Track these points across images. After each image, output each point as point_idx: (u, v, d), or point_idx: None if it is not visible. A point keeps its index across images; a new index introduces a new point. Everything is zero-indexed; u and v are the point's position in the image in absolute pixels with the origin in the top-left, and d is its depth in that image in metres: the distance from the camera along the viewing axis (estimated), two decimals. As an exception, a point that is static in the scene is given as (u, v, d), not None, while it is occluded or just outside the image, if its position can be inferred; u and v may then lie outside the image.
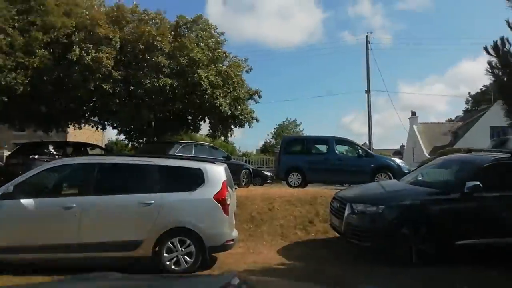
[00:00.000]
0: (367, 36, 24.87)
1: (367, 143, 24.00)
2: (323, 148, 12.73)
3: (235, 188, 6.84)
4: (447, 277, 5.42)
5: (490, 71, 5.86)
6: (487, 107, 34.14)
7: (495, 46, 5.69)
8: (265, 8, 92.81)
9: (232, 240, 5.64)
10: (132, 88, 11.66)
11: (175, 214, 5.38)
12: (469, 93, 52.71)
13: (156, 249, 5.26)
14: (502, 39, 5.67)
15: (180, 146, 10.86)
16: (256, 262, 6.09)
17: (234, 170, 12.20)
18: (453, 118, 47.05)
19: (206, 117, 13.82)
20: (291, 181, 12.31)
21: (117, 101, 11.94)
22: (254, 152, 33.67)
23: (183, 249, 5.27)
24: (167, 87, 11.25)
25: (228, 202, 5.56)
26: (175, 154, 10.26)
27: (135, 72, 11.56)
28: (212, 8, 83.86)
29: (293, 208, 8.63)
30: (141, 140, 14.46)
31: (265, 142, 34.94)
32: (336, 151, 12.28)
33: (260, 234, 7.73)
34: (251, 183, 13.12)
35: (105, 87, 11.27)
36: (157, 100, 11.72)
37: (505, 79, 5.66)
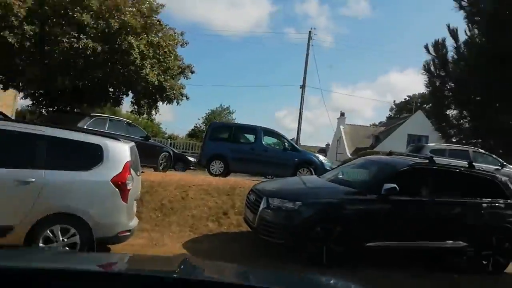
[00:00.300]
0: (310, 32, 25.06)
1: (295, 138, 24.24)
2: (250, 137, 12.32)
3: (141, 172, 6.05)
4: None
5: (426, 71, 5.80)
6: (408, 116, 36.64)
7: (436, 45, 5.61)
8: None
9: (129, 231, 4.90)
10: (46, 47, 10.09)
11: (59, 197, 4.50)
12: (394, 101, 56.43)
13: (31, 237, 4.35)
14: (444, 39, 5.62)
15: (92, 120, 9.67)
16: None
17: (152, 153, 11.32)
18: (377, 123, 49.98)
19: (129, 91, 12.58)
20: (212, 169, 11.73)
21: (24, 57, 10.29)
22: (184, 136, 32.54)
23: (65, 239, 4.43)
24: (89, 51, 9.88)
25: (128, 187, 4.80)
26: (84, 127, 9.09)
27: (52, 28, 10.00)
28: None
29: (209, 197, 8.07)
30: (51, 109, 12.80)
31: (194, 127, 33.88)
32: (263, 142, 11.95)
33: (167, 224, 7.05)
34: (171, 168, 12.29)
35: (10, 40, 9.62)
36: (75, 64, 10.29)
37: (438, 83, 5.62)
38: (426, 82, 6.09)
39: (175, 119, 68.17)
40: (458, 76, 5.36)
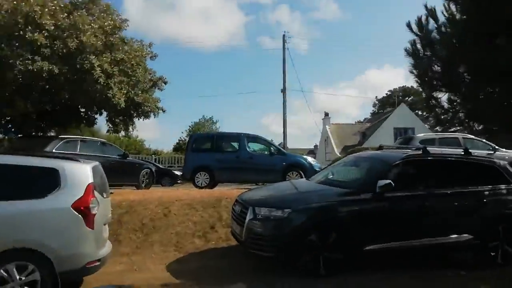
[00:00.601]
0: (284, 35, 24.79)
1: (282, 142, 23.80)
2: (234, 145, 11.84)
3: (110, 193, 5.48)
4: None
5: (411, 53, 5.37)
6: (391, 110, 36.73)
7: (419, 23, 5.16)
8: (187, 7, 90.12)
9: (98, 260, 4.31)
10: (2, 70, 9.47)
11: (12, 231, 3.90)
12: (376, 97, 56.65)
13: (-19, 280, 3.74)
14: (427, 16, 5.16)
15: (61, 142, 9.03)
16: (133, 285, 4.86)
17: (132, 170, 10.74)
18: (362, 120, 50.03)
19: (102, 110, 11.98)
20: (198, 181, 11.21)
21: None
22: (171, 151, 31.79)
23: (23, 278, 3.83)
24: (44, 73, 9.27)
25: (93, 212, 4.23)
26: (53, 151, 8.46)
27: (4, 50, 9.38)
28: (130, 4, 78.82)
29: (194, 212, 7.51)
30: (20, 135, 12.09)
31: (179, 140, 33.17)
32: (248, 149, 11.48)
33: (149, 245, 6.46)
34: (155, 184, 11.69)
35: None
36: (34, 87, 9.68)
37: (425, 64, 5.18)
38: (410, 66, 5.64)
39: (161, 135, 67.36)
40: (445, 57, 4.93)
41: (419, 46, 5.35)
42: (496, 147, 12.73)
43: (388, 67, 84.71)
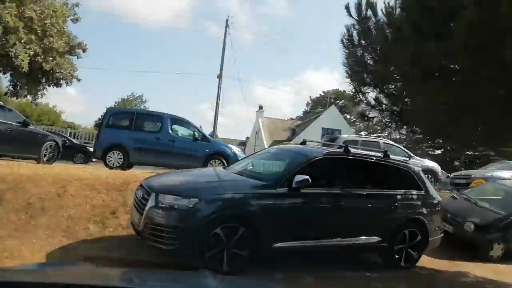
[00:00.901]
0: (227, 20, 24.05)
1: (213, 129, 23.17)
2: (155, 125, 10.96)
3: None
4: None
5: (347, 40, 5.06)
6: (322, 110, 37.93)
7: (359, 6, 4.84)
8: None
9: None
10: None
11: None
12: (310, 96, 58.27)
13: None
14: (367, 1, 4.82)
15: None
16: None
17: (32, 141, 9.40)
18: (295, 117, 51.12)
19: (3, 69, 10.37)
20: (110, 161, 10.20)
21: None
22: (92, 126, 29.39)
23: None
24: None
25: None
26: None
27: None
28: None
29: (95, 194, 6.64)
30: None
31: (101, 116, 30.82)
32: (170, 131, 10.70)
33: (33, 228, 5.52)
34: (57, 159, 10.41)
35: None
36: None
37: (359, 54, 4.91)
38: (344, 55, 5.35)
39: (88, 110, 62.79)
40: (380, 47, 4.72)
41: (355, 33, 5.07)
42: (412, 154, 13.46)
43: (325, 69, 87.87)
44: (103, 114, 10.65)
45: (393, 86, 5.19)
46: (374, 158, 6.01)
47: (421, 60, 4.17)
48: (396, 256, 5.87)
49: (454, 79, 4.33)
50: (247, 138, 45.79)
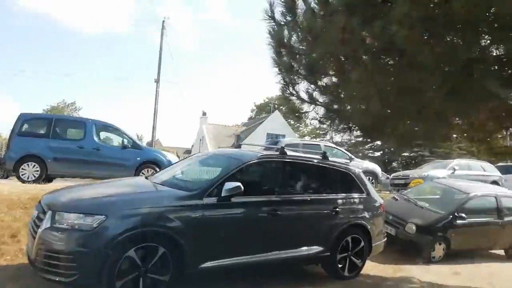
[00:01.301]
0: (163, 22, 23.00)
1: (151, 137, 21.93)
2: (77, 133, 9.82)
3: None
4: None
5: (270, 15, 4.45)
6: (266, 116, 37.90)
7: None
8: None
9: None
10: None
11: None
12: (254, 102, 58.28)
13: None
14: None
15: None
16: None
17: None
18: (239, 123, 50.73)
19: None
20: (23, 174, 8.93)
21: None
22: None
23: None
24: None
25: None
26: None
27: None
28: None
29: (-10, 214, 5.54)
30: None
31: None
32: (95, 138, 9.61)
33: None
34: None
35: None
36: None
37: (285, 35, 4.31)
38: (269, 38, 4.71)
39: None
40: (306, 24, 4.15)
41: (279, 9, 4.48)
42: (353, 156, 13.43)
43: (270, 75, 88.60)
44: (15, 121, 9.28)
45: (325, 75, 4.69)
46: (313, 161, 5.54)
47: (351, 39, 3.70)
48: (340, 266, 5.43)
49: (391, 59, 3.93)
50: (193, 146, 44.58)
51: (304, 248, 5.07)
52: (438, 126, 4.89)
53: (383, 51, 4.02)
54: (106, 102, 72.94)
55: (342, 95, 4.74)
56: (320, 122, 5.28)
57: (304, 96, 4.82)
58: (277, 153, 5.28)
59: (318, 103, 4.86)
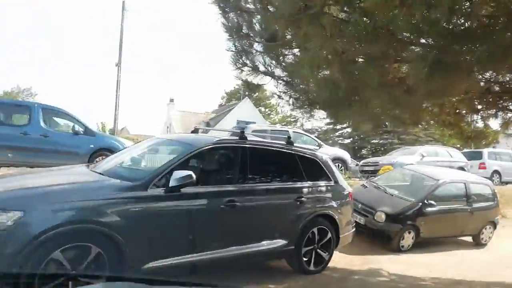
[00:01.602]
0: (123, 2, 21.71)
1: (114, 124, 20.83)
2: (22, 118, 8.90)
3: None
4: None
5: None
6: (236, 103, 37.25)
7: None
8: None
9: None
10: None
11: None
12: (224, 90, 57.38)
13: None
14: None
15: None
16: None
17: None
18: (210, 111, 49.76)
19: None
20: (-43, 164, 7.96)
21: None
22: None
23: None
24: None
25: None
26: None
27: None
28: None
29: None
30: None
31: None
32: (42, 124, 8.71)
33: None
34: None
35: None
36: None
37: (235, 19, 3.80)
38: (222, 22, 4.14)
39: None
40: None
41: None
42: (322, 143, 13.11)
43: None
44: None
45: (281, 40, 4.12)
46: (276, 146, 5.04)
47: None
48: (305, 259, 5.00)
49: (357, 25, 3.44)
50: (161, 133, 43.38)
51: (266, 242, 4.59)
52: (409, 107, 4.49)
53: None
54: (67, 89, 69.56)
55: (300, 65, 4.19)
56: (279, 97, 4.77)
57: (261, 68, 4.27)
58: (236, 137, 4.74)
59: (275, 75, 4.33)
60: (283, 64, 4.33)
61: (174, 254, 3.86)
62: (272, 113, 48.37)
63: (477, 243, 8.26)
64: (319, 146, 12.09)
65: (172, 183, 3.78)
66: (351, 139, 38.99)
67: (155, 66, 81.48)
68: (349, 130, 38.18)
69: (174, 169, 3.91)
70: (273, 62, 4.23)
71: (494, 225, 8.46)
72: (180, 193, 3.86)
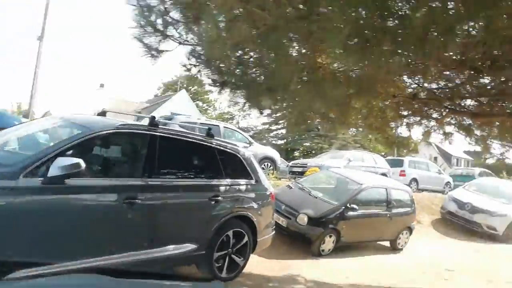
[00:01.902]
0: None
1: (29, 105, 18.68)
2: None
3: None
4: None
5: None
6: (172, 94, 35.95)
7: None
8: None
9: None
10: None
11: None
12: (161, 80, 55.27)
13: None
14: None
15: None
16: None
17: None
18: (145, 101, 47.58)
19: None
20: None
21: None
22: None
23: None
24: None
25: None
26: None
27: None
28: None
29: None
30: None
31: None
32: None
33: None
34: None
35: None
36: None
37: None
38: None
39: None
40: None
41: None
42: (253, 141, 12.76)
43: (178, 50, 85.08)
44: None
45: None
46: (192, 138, 4.48)
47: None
48: (217, 265, 4.52)
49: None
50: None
51: (172, 247, 4.02)
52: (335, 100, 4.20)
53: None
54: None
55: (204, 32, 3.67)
56: (187, 70, 4.23)
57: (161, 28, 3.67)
58: (146, 124, 4.10)
59: (181, 40, 3.76)
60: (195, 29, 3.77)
61: (50, 261, 3.13)
62: (209, 108, 47.52)
63: (394, 248, 8.41)
64: (250, 143, 11.73)
65: (52, 172, 3.07)
66: (285, 140, 39.58)
67: (85, 44, 76.00)
68: (283, 131, 38.74)
69: (60, 155, 3.19)
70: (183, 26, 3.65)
71: (411, 230, 8.69)
72: (64, 186, 3.16)
